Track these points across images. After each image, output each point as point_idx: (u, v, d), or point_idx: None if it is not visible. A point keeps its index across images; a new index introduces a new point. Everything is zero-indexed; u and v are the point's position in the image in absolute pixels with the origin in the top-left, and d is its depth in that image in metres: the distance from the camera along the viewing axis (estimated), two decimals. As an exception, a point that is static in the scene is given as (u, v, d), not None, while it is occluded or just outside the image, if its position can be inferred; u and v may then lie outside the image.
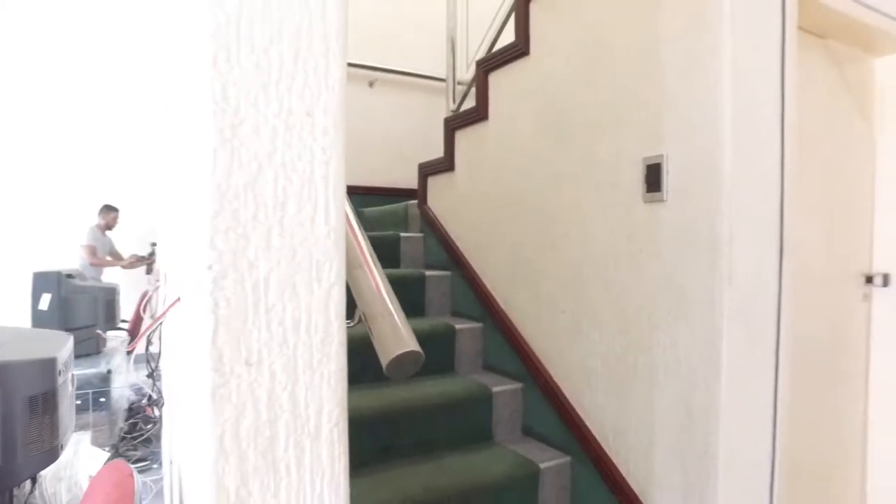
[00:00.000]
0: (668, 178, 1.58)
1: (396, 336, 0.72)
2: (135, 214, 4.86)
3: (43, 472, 1.63)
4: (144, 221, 4.87)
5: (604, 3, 1.78)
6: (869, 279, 2.08)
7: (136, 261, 4.89)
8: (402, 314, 0.75)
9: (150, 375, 2.02)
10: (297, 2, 0.56)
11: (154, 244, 4.73)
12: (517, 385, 2.13)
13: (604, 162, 1.78)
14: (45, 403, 1.32)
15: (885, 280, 2.05)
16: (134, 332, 3.84)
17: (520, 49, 2.15)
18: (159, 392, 1.81)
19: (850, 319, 2.04)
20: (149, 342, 1.94)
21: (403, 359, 0.70)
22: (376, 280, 0.74)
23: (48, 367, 1.32)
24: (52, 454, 1.31)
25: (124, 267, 4.87)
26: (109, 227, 4.81)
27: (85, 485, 2.27)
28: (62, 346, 1.42)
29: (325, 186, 0.58)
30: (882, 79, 2.04)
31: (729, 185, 1.45)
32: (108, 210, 4.77)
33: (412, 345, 0.71)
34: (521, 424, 2.12)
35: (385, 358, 0.70)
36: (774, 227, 1.55)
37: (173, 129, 0.64)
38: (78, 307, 3.21)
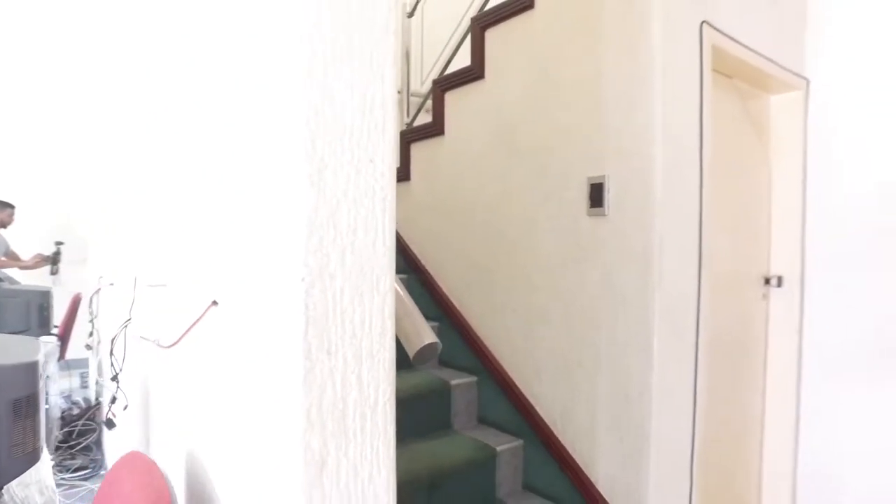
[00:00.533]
0: (609, 196, 1.84)
1: (417, 333, 0.90)
2: (36, 211, 4.52)
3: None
4: (47, 219, 4.55)
5: (555, 41, 2.03)
6: (767, 281, 2.45)
7: (41, 260, 4.46)
8: (419, 315, 0.93)
9: (114, 378, 2.07)
10: (367, 71, 0.73)
11: (60, 243, 4.46)
12: (472, 378, 2.34)
13: (553, 179, 2.02)
14: (28, 406, 1.38)
15: (780, 281, 2.43)
16: (64, 338, 3.71)
17: (475, 73, 2.37)
18: (124, 395, 1.87)
19: (753, 315, 2.40)
20: (107, 348, 2.00)
21: (425, 350, 0.88)
22: (399, 289, 0.92)
23: (31, 370, 1.39)
24: (34, 456, 1.37)
25: (25, 267, 4.44)
26: (3, 224, 4.37)
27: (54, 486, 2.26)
28: (38, 350, 1.47)
29: (383, 217, 0.75)
30: (775, 112, 2.43)
31: (660, 203, 1.72)
32: (3, 206, 4.35)
33: (431, 338, 0.90)
34: (477, 414, 2.34)
35: (411, 350, 0.88)
36: (694, 238, 1.85)
37: (252, 170, 0.79)
38: (8, 312, 3.11)
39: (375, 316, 0.75)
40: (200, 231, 1.00)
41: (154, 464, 1.13)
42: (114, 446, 2.21)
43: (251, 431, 0.81)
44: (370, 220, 0.74)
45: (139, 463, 1.14)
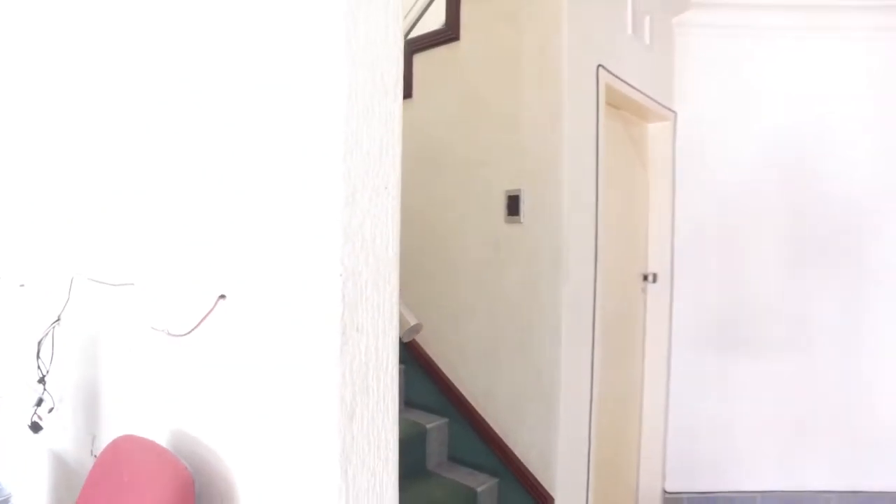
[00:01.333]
0: (524, 206, 2.20)
1: (404, 316, 1.16)
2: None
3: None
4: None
5: (479, 72, 2.35)
6: (645, 277, 2.96)
7: None
8: (404, 303, 1.19)
9: (41, 381, 2.11)
10: (382, 126, 0.98)
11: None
12: (402, 366, 2.60)
13: (476, 192, 2.35)
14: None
15: (654, 278, 2.95)
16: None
17: (403, 93, 2.63)
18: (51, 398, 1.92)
19: (636, 304, 2.90)
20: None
21: (412, 329, 1.14)
22: (387, 281, 1.17)
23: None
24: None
25: None
26: None
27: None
28: None
29: (393, 229, 1.01)
30: (651, 138, 2.94)
31: (566, 213, 2.10)
32: None
33: (414, 320, 1.16)
34: (405, 397, 2.60)
35: (401, 330, 1.14)
36: (591, 241, 2.26)
37: (297, 191, 0.99)
38: None
39: (386, 302, 1.00)
40: (246, 239, 1.15)
41: (157, 444, 1.28)
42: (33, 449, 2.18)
43: (290, 396, 1.01)
44: (384, 230, 0.99)
45: (141, 446, 1.28)
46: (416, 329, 1.15)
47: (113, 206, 1.56)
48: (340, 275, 0.92)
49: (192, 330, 1.19)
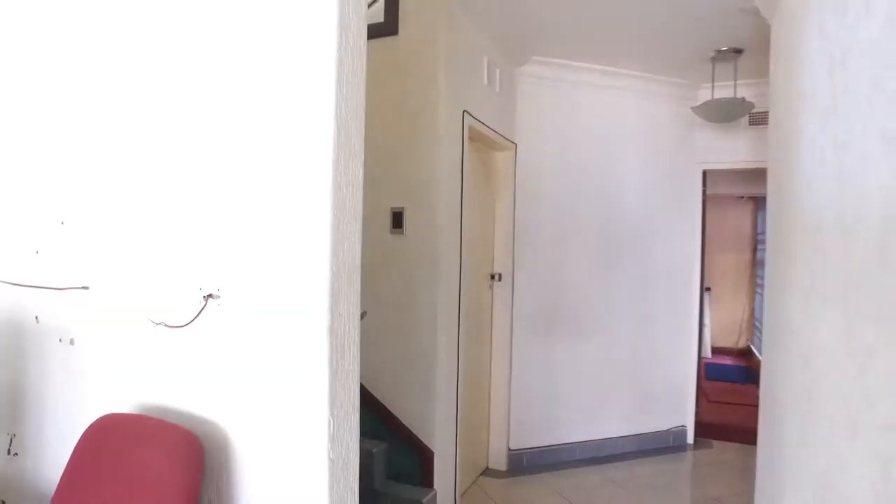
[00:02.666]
0: (407, 221, 2.71)
1: (352, 307, 1.59)
2: None
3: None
4: None
5: (376, 111, 2.78)
6: (492, 276, 3.65)
7: None
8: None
9: None
10: (355, 174, 1.41)
11: None
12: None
13: (368, 208, 2.78)
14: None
15: (500, 277, 3.65)
16: None
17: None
18: None
19: (485, 299, 3.56)
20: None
21: (362, 315, 1.58)
22: (339, 281, 1.59)
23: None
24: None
25: None
26: None
27: None
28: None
29: (356, 245, 1.44)
30: (498, 163, 3.64)
31: (440, 226, 2.65)
32: None
33: (363, 309, 1.60)
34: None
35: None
36: (457, 248, 2.84)
37: (296, 218, 1.37)
38: None
39: (354, 295, 1.44)
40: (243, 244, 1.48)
41: (148, 416, 1.53)
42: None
43: (288, 367, 1.38)
44: (353, 246, 1.42)
45: (132, 420, 1.52)
46: (363, 314, 1.58)
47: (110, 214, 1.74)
48: (331, 272, 1.34)
49: (190, 322, 1.49)
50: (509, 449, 3.65)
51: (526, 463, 3.67)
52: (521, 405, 3.70)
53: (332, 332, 1.35)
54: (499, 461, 3.62)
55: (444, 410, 2.72)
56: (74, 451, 1.51)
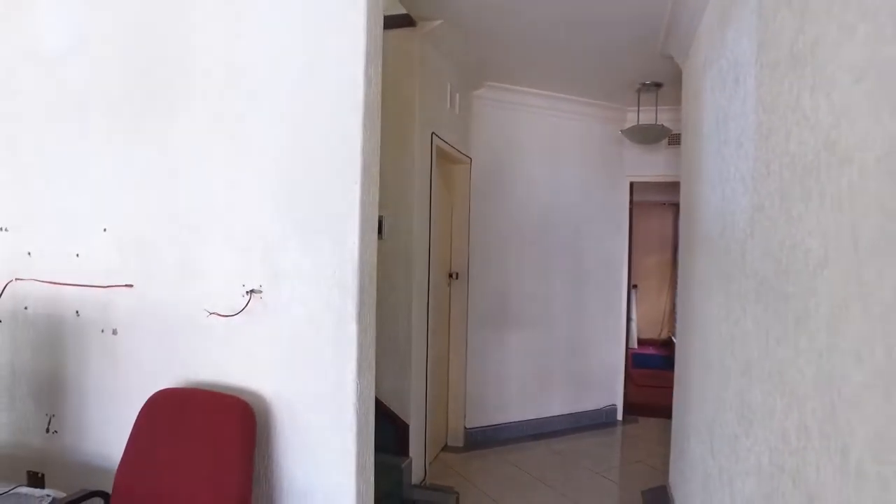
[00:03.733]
0: (386, 228, 3.12)
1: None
2: None
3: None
4: None
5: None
6: (451, 275, 4.11)
7: None
8: (359, 291, 2.04)
9: None
10: (372, 205, 1.83)
11: None
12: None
13: (346, 213, 3.18)
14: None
15: (457, 276, 4.12)
16: None
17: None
18: None
19: (445, 295, 4.02)
20: None
21: (368, 306, 2.00)
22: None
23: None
24: None
25: None
26: None
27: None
28: None
29: (373, 251, 1.86)
30: (457, 175, 4.11)
31: (415, 232, 3.09)
32: None
33: (368, 302, 2.02)
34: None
35: (363, 306, 1.99)
36: (426, 251, 3.28)
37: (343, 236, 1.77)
38: None
39: (373, 288, 1.85)
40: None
41: (199, 389, 1.88)
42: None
43: (320, 345, 1.78)
44: (374, 249, 1.84)
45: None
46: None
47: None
48: (358, 276, 1.76)
49: (238, 313, 1.85)
50: (465, 427, 4.13)
51: (480, 439, 4.16)
52: (476, 389, 4.18)
53: (360, 318, 1.77)
54: (456, 438, 4.09)
55: (416, 390, 3.16)
56: (136, 421, 1.84)
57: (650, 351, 8.21)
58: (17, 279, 2.21)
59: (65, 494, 1.81)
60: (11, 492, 1.80)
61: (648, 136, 4.11)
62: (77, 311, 2.14)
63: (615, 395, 4.87)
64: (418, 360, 3.18)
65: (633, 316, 8.65)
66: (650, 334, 8.83)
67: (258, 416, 1.82)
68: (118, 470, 1.80)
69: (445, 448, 4.05)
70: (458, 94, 3.77)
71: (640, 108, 4.36)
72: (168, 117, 2.00)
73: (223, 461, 1.67)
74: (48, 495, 1.78)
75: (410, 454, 3.06)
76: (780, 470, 1.18)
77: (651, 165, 4.71)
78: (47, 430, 2.19)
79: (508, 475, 3.67)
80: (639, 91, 4.13)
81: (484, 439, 4.17)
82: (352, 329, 1.76)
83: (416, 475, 3.19)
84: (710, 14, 2.25)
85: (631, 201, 4.87)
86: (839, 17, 0.92)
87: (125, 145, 2.06)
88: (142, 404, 1.88)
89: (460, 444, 4.09)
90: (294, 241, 1.83)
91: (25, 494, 1.80)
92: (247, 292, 1.86)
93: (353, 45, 1.77)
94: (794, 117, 1.15)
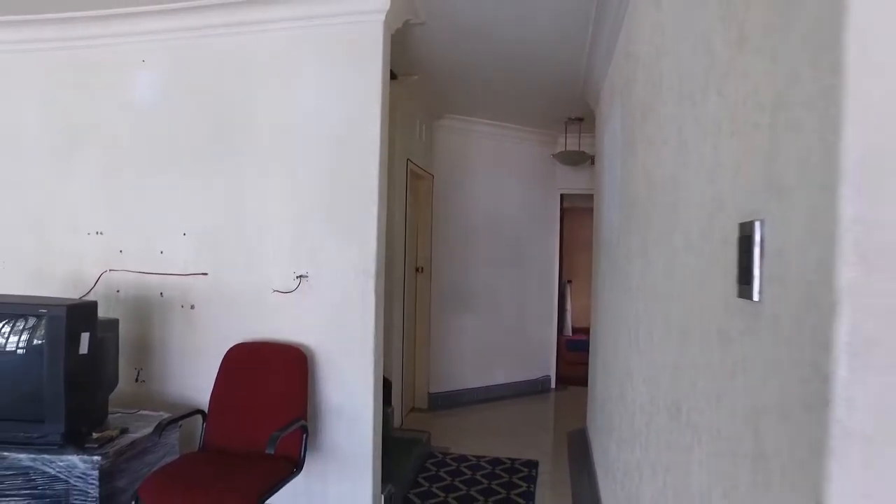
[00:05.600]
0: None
1: (372, 282, 2.95)
2: None
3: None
4: None
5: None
6: (417, 269, 5.06)
7: None
8: (369, 277, 2.98)
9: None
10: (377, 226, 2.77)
11: None
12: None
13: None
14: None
15: (422, 269, 5.08)
16: None
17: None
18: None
19: (413, 285, 4.97)
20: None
21: (376, 287, 2.93)
22: (365, 269, 2.94)
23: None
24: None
25: None
26: None
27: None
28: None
29: (381, 251, 2.79)
30: (421, 189, 5.06)
31: (395, 235, 4.03)
32: None
33: (376, 284, 2.96)
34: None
35: (373, 287, 2.93)
36: (403, 251, 4.23)
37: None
38: None
39: (383, 274, 2.78)
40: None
41: (266, 341, 2.76)
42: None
43: (350, 314, 2.69)
44: (383, 248, 2.77)
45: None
46: (379, 287, 2.93)
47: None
48: (376, 266, 2.69)
49: (292, 291, 2.74)
50: (429, 392, 5.09)
51: (441, 402, 5.13)
52: (437, 361, 5.15)
53: (377, 294, 2.71)
54: (422, 401, 5.05)
55: (397, 357, 4.09)
56: (221, 365, 2.70)
57: (581, 337, 9.43)
58: (110, 270, 3.00)
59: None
60: (137, 413, 2.63)
61: (573, 159, 5.20)
62: (161, 293, 2.96)
63: (549, 368, 5.97)
64: (398, 336, 4.12)
65: (569, 307, 9.90)
66: (583, 323, 10.06)
67: (308, 360, 2.73)
68: (211, 397, 2.66)
69: (413, 409, 5.00)
70: (424, 126, 4.73)
71: (567, 136, 5.45)
72: (235, 156, 2.86)
73: (290, 385, 2.57)
74: (162, 414, 2.61)
75: (393, 404, 4.00)
76: (640, 411, 2.22)
77: (578, 181, 5.83)
78: (136, 380, 3.00)
79: (465, 427, 4.67)
80: (566, 123, 5.22)
81: (444, 402, 5.15)
82: (371, 301, 2.69)
83: (397, 422, 4.13)
84: (606, 90, 3.32)
85: (562, 209, 5.98)
86: (646, 129, 1.96)
87: (202, 177, 2.90)
88: (214, 358, 2.74)
89: (425, 406, 5.06)
90: (330, 242, 2.74)
91: (146, 414, 2.62)
92: (297, 277, 2.76)
93: (372, 113, 2.70)
94: (631, 174, 2.19)
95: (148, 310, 2.98)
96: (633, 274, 2.09)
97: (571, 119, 5.11)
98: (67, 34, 3.02)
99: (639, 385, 1.90)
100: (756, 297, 0.79)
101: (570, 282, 9.82)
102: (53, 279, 3.05)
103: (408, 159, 4.23)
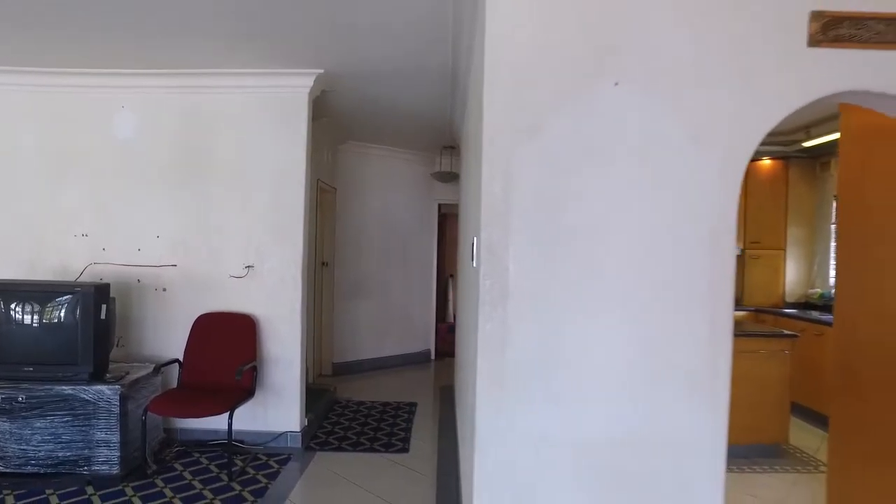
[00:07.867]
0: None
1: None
2: None
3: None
4: None
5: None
6: (323, 263, 6.32)
7: None
8: (296, 268, 4.25)
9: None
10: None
11: None
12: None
13: (265, 225, 5.27)
14: (95, 319, 3.81)
15: (326, 264, 6.34)
16: None
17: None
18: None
19: (319, 276, 6.23)
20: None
21: (302, 275, 4.21)
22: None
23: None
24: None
25: None
26: None
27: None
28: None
29: (303, 265, 4.08)
30: (327, 200, 6.33)
31: (307, 236, 5.29)
32: None
33: (301, 272, 4.23)
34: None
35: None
36: (313, 251, 5.49)
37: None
38: None
39: (306, 265, 4.07)
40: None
41: (225, 311, 3.94)
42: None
43: (285, 292, 3.94)
44: (306, 244, 4.05)
45: (219, 314, 3.91)
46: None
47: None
48: (303, 257, 3.98)
49: (243, 276, 3.94)
50: (333, 362, 6.37)
51: (343, 369, 6.42)
52: (339, 337, 6.44)
53: (303, 280, 3.99)
54: (327, 369, 6.31)
55: (309, 332, 5.34)
56: (192, 329, 3.85)
57: (460, 322, 11.08)
58: (94, 263, 4.01)
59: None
60: (130, 365, 3.70)
61: (447, 178, 6.73)
62: (139, 279, 4.02)
63: (429, 343, 7.47)
64: (309, 316, 5.38)
65: (451, 297, 11.52)
66: (462, 311, 11.75)
67: (255, 326, 3.95)
68: (185, 351, 3.80)
69: (320, 375, 6.26)
70: (330, 150, 6.01)
71: (442, 158, 6.97)
72: (200, 180, 4.00)
73: (244, 341, 3.79)
74: (147, 364, 3.71)
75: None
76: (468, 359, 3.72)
77: (451, 193, 7.37)
78: (116, 345, 4.02)
79: (362, 386, 6.01)
80: (441, 149, 6.73)
81: (345, 369, 6.45)
82: (298, 283, 3.97)
83: (310, 380, 5.39)
84: (462, 133, 4.83)
85: (440, 216, 7.50)
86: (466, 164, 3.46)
87: (172, 194, 4.01)
88: (182, 328, 3.88)
89: (330, 372, 6.33)
90: (270, 243, 3.98)
91: (133, 365, 3.71)
92: (246, 267, 3.97)
93: (299, 156, 3.98)
94: (464, 199, 3.68)
95: (127, 293, 4.02)
96: (471, 269, 3.58)
97: (445, 147, 6.63)
98: (65, 82, 3.96)
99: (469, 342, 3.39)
100: (475, 265, 2.26)
101: (451, 276, 11.45)
102: (44, 270, 3.98)
103: (318, 179, 5.49)
